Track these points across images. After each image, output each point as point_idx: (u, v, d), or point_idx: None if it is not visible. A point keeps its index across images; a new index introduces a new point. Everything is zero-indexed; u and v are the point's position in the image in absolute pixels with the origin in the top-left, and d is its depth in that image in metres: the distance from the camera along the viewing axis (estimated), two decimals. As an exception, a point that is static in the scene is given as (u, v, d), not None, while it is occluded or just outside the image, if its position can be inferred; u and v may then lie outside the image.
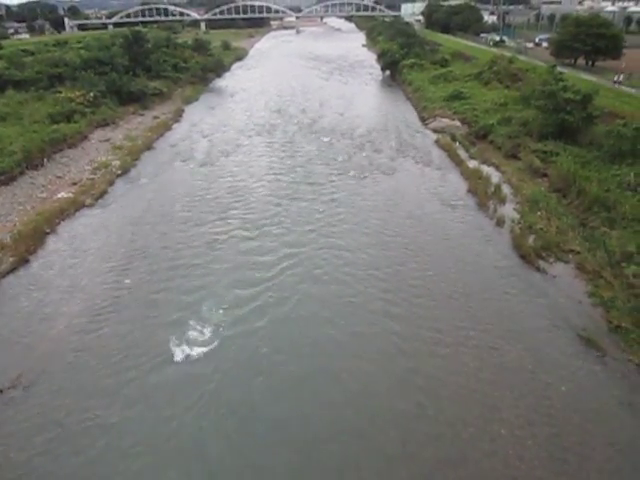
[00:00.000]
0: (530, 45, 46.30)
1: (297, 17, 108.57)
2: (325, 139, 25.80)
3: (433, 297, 11.86)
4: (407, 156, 22.87)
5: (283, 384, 9.13)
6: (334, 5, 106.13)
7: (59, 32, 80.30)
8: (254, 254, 13.58)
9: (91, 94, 27.20)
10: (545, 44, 45.68)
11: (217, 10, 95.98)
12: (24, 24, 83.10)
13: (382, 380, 9.47)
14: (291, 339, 10.29)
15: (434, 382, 9.45)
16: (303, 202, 17.31)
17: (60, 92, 27.48)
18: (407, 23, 71.19)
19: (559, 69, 25.72)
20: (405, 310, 11.40)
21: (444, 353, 10.09)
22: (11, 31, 75.91)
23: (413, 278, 12.62)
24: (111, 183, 18.47)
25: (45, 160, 20.00)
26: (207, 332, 10.42)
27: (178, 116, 29.36)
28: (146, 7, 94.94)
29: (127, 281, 12.19)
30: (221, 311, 11.09)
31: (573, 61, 35.88)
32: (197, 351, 9.82)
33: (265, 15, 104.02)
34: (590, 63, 35.16)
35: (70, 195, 16.70)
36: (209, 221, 15.59)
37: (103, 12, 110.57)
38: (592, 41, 33.30)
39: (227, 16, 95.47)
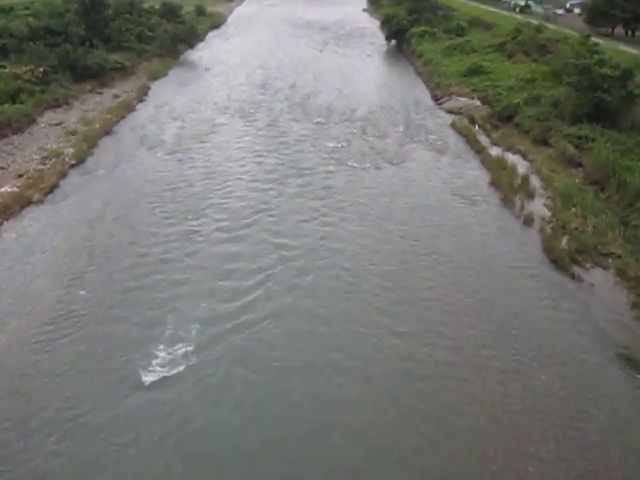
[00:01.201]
0: (560, 12, 46.85)
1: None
2: (319, 121, 25.65)
3: (449, 310, 11.77)
4: (417, 142, 22.81)
5: (267, 429, 8.87)
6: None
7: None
8: (233, 261, 13.52)
9: (40, 69, 27.01)
10: (577, 10, 45.97)
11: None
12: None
13: (388, 410, 9.35)
14: (278, 366, 10.07)
15: (450, 411, 9.36)
16: (292, 199, 17.18)
17: (4, 67, 27.27)
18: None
19: (594, 39, 25.84)
20: (415, 326, 11.31)
21: (461, 376, 10.05)
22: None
23: (425, 288, 12.60)
24: (63, 175, 18.35)
25: (-17, 148, 21.45)
26: (178, 355, 10.28)
27: (143, 94, 29.29)
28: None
29: (82, 292, 12.09)
30: (194, 330, 10.94)
31: (610, 30, 35.69)
32: (164, 376, 9.71)
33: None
34: (630, 33, 35.00)
35: (15, 190, 16.63)
36: (180, 221, 15.51)
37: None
38: (632, 7, 32.93)
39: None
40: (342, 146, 22.39)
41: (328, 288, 12.63)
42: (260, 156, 21.14)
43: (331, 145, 22.44)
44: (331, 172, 19.53)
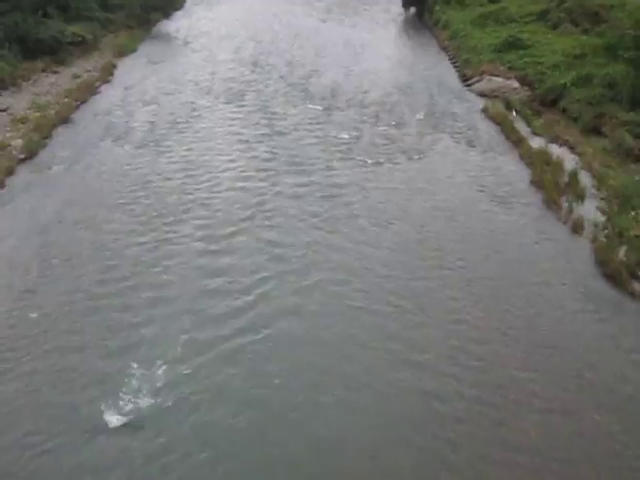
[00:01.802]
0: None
1: None
2: (322, 106, 25.63)
3: (479, 335, 11.72)
4: (442, 132, 22.86)
5: None
6: None
7: None
8: (218, 276, 13.44)
9: (-19, 43, 28.92)
10: (639, -31, 48.64)
11: None
12: None
13: (407, 461, 9.19)
14: (273, 402, 10.04)
15: (483, 462, 9.25)
16: (288, 200, 17.11)
17: None
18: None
19: (658, 5, 27.58)
20: (438, 355, 11.21)
21: (496, 419, 9.95)
22: None
23: (449, 309, 12.56)
24: (10, 172, 18.26)
25: None
26: (149, 393, 10.22)
27: (108, 74, 29.19)
28: None
29: (33, 314, 12.02)
30: (170, 364, 10.88)
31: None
32: (132, 418, 9.67)
33: None
34: None
35: (-52, 191, 17.71)
36: (153, 229, 15.51)
37: None
38: None
39: None
40: (350, 136, 22.33)
41: (332, 309, 12.49)
42: (250, 149, 21.15)
43: (337, 135, 22.34)
44: (336, 168, 19.55)
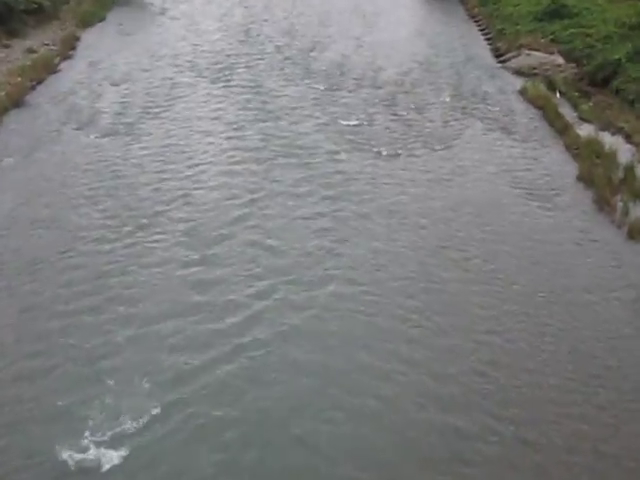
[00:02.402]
0: None
1: None
2: (326, 87, 25.45)
3: (519, 364, 11.67)
4: (471, 117, 23.03)
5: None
6: None
7: None
8: (201, 292, 13.34)
9: None
10: None
11: None
12: None
13: None
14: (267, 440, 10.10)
15: None
16: (285, 198, 17.15)
17: None
18: None
19: None
20: (466, 386, 11.19)
21: (537, 463, 9.79)
22: None
23: (479, 330, 12.54)
24: (-49, 165, 19.91)
25: None
26: (117, 433, 10.17)
27: (70, 48, 29.18)
28: None
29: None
30: (143, 396, 10.76)
31: None
32: (96, 460, 9.68)
33: None
34: None
35: None
36: (125, 231, 15.43)
37: None
38: None
39: None
40: (360, 123, 22.27)
41: (339, 330, 12.39)
42: (241, 137, 21.01)
43: (345, 121, 22.30)
44: (343, 160, 19.52)
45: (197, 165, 19.30)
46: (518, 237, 15.75)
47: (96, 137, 20.85)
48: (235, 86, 25.65)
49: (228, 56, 28.93)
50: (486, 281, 14.19)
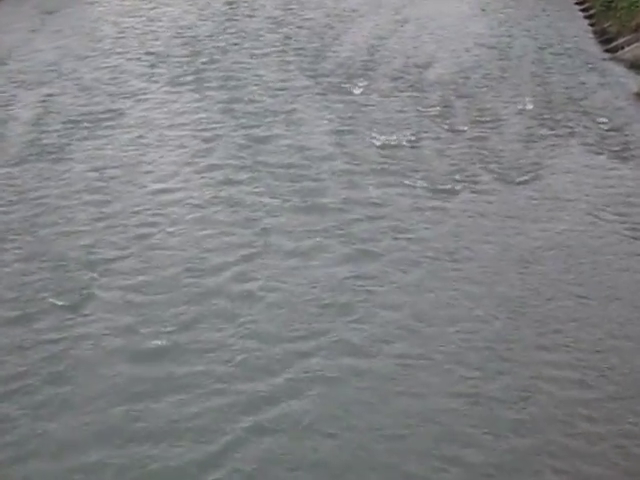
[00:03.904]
0: None
1: None
2: (347, 87, 24.37)
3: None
4: (565, 133, 21.77)
5: None
6: None
7: None
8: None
9: None
10: None
11: None
12: None
13: None
14: None
15: None
16: (289, 266, 16.02)
17: None
18: None
19: None
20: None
21: None
22: None
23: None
24: None
25: None
26: None
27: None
28: None
29: None
30: None
31: None
32: None
33: None
34: None
35: None
36: (45, 311, 14.61)
37: None
38: None
39: None
40: (398, 141, 20.69)
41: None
42: (220, 160, 19.87)
43: (374, 140, 20.77)
44: (372, 198, 18.16)
45: (147, 210, 17.98)
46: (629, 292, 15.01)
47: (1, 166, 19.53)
48: (211, 80, 24.51)
49: (201, 41, 28.21)
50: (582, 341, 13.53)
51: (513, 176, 19.55)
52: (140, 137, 21.46)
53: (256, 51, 27.46)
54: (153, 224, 17.34)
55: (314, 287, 15.58)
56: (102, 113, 22.71)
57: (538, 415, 12.89)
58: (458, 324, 14.55)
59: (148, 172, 19.98)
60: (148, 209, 18.28)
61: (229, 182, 19.77)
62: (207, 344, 14.45)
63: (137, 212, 18.17)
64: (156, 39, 28.55)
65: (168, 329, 14.67)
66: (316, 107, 23.74)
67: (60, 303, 15.13)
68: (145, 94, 24.05)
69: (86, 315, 14.78)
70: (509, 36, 29.29)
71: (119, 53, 27.09)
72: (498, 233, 17.40)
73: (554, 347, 14.41)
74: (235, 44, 28.33)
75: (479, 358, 13.57)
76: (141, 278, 15.68)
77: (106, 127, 22.01)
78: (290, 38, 29.52)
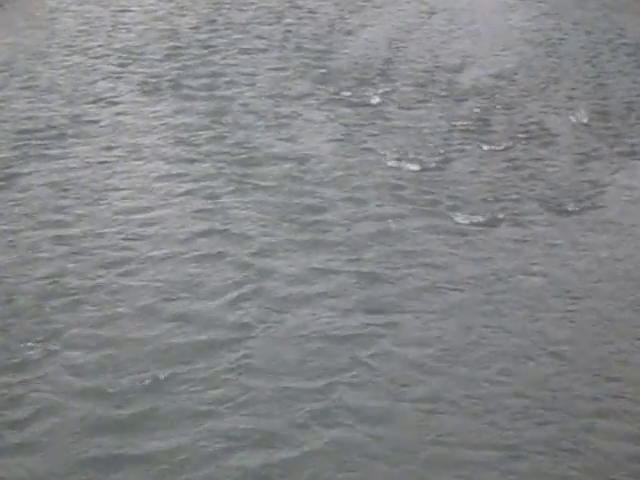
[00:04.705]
0: None
1: None
2: (361, 95, 23.72)
3: None
4: (626, 148, 21.51)
5: None
6: None
7: None
8: None
9: None
10: None
11: None
12: None
13: None
14: None
15: None
16: (289, 335, 14.89)
17: None
18: None
19: None
20: None
21: None
22: None
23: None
24: None
25: None
26: None
27: None
28: None
29: None
30: None
31: None
32: None
33: None
34: None
35: None
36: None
37: None
38: None
39: None
40: (424, 164, 20.14)
41: None
42: (206, 189, 18.96)
43: (394, 162, 20.40)
44: (392, 233, 17.32)
45: (119, 235, 17.45)
46: None
47: None
48: (193, 81, 24.37)
49: (176, 28, 28.45)
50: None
51: (565, 203, 19.50)
52: (108, 149, 21.72)
53: (248, 46, 27.49)
54: (124, 249, 17.57)
55: (322, 319, 15.55)
56: (62, 120, 22.87)
57: (586, 471, 12.70)
58: (493, 364, 14.62)
59: (117, 189, 20.32)
60: (118, 232, 18.42)
61: (211, 197, 20.50)
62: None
63: (104, 235, 18.37)
64: (128, 32, 28.51)
65: (142, 371, 14.26)
66: (321, 120, 23.61)
67: (20, 345, 14.83)
68: (114, 98, 24.22)
69: (47, 355, 14.64)
70: (557, 30, 28.48)
71: (78, 50, 27.46)
72: (543, 263, 17.47)
73: (606, 396, 14.29)
74: (222, 38, 28.87)
75: (517, 405, 13.58)
76: (110, 312, 15.62)
77: (67, 137, 22.23)
78: (290, 32, 29.55)
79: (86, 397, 13.94)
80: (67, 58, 27.32)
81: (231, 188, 20.66)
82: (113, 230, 18.67)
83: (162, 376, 14.68)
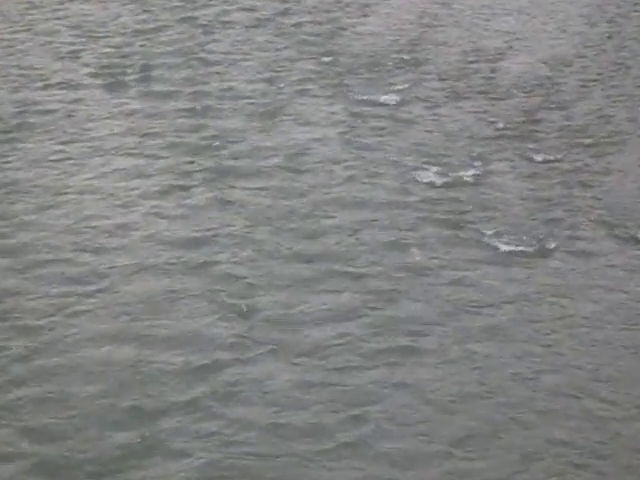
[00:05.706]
0: None
1: None
2: (377, 94, 23.66)
3: None
4: None
5: None
6: None
7: None
8: None
9: None
10: None
11: None
12: None
13: None
14: None
15: None
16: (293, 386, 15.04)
17: None
18: None
19: None
20: None
21: None
22: None
23: None
24: None
25: None
26: None
27: None
28: None
29: None
30: None
31: None
32: None
33: None
34: None
35: None
36: None
37: None
38: None
39: None
40: (455, 177, 19.92)
41: None
42: (194, 209, 18.72)
43: (419, 176, 20.27)
44: (415, 267, 17.07)
45: (79, 257, 17.43)
46: None
47: None
48: (172, 67, 25.09)
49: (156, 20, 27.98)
50: None
51: (632, 227, 19.69)
52: (62, 142, 22.47)
53: (237, 32, 28.10)
54: (81, 263, 18.00)
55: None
56: (8, 109, 23.94)
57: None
58: (538, 401, 14.21)
59: (74, 190, 20.81)
60: (74, 243, 19.01)
61: (185, 198, 21.23)
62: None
63: (57, 246, 18.91)
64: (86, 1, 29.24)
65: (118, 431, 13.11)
66: (330, 121, 23.61)
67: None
68: (69, 82, 25.25)
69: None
70: (621, 6, 29.10)
71: (29, 24, 28.91)
72: (604, 302, 17.53)
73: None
74: (204, 8, 29.84)
75: (562, 454, 13.20)
76: (63, 338, 15.75)
77: (13, 130, 23.21)
78: (289, 14, 30.51)
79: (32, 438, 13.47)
80: (12, 36, 28.32)
81: (207, 188, 21.38)
82: (68, 240, 19.02)
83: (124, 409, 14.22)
